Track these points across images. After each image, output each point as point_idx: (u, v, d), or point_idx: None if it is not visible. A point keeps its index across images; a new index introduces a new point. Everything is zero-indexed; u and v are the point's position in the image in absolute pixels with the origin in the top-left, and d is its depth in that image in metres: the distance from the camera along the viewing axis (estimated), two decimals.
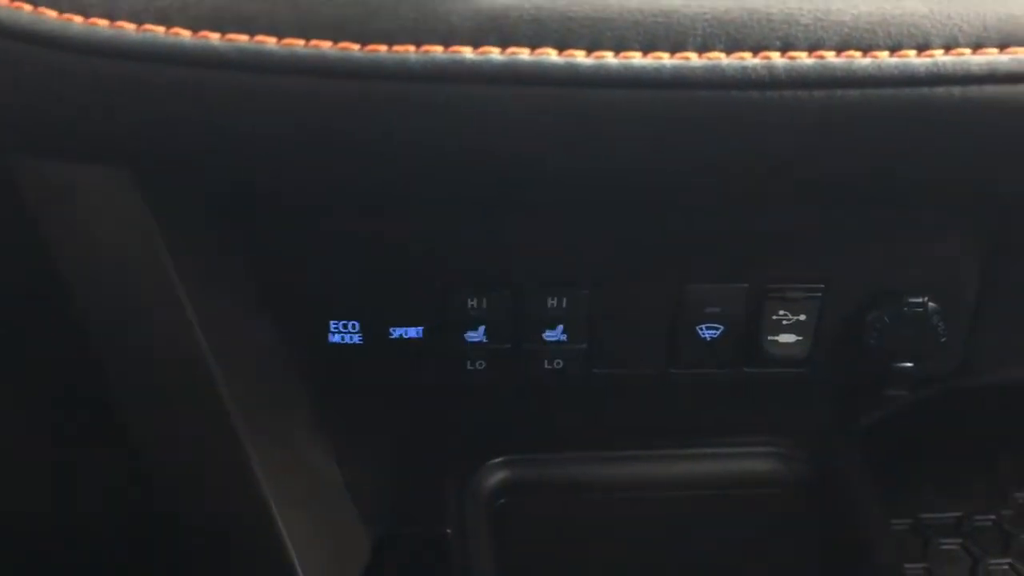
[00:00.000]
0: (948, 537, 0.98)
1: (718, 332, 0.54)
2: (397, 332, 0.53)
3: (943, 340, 0.53)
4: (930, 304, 0.52)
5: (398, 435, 0.63)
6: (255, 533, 0.54)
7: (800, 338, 0.54)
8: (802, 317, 0.53)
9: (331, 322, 0.53)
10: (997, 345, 0.58)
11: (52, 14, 0.32)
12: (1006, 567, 0.96)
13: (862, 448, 0.72)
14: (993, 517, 0.99)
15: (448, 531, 0.63)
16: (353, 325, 0.53)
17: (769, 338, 0.54)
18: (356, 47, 0.34)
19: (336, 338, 0.53)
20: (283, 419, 0.54)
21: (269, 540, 0.54)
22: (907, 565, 0.96)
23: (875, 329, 0.53)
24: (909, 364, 0.54)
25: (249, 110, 0.34)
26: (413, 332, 0.53)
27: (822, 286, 0.52)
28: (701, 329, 0.54)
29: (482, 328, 0.53)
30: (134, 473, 0.54)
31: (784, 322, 0.53)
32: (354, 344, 0.53)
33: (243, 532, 0.54)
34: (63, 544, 0.65)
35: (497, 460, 0.67)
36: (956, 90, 0.35)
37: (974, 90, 0.35)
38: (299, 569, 0.54)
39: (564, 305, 0.52)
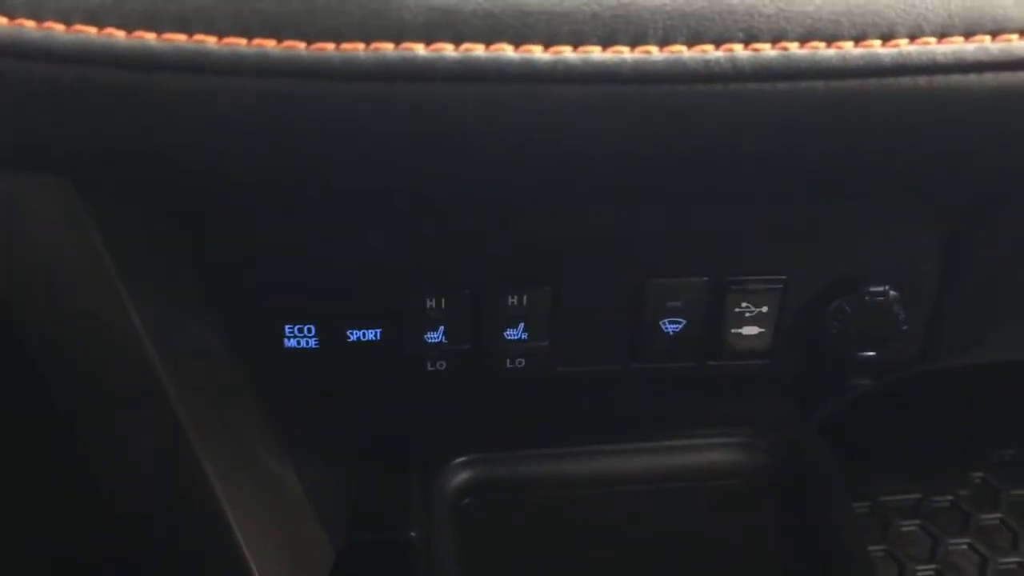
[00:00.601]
0: (908, 519, 1.00)
1: (680, 326, 0.53)
2: (355, 335, 0.52)
3: (904, 328, 0.53)
4: (891, 293, 0.52)
5: (358, 439, 0.62)
6: (212, 543, 0.52)
7: (762, 330, 0.54)
8: (764, 309, 0.53)
9: (286, 326, 0.51)
10: (957, 332, 0.58)
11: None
12: (964, 547, 0.98)
13: (822, 434, 0.73)
14: (951, 498, 1.01)
15: (412, 535, 0.62)
16: (309, 329, 0.51)
17: (732, 331, 0.54)
18: (302, 46, 0.32)
19: (292, 343, 0.51)
20: (237, 426, 0.52)
21: (227, 550, 0.52)
22: (869, 547, 0.98)
23: (836, 319, 0.53)
24: (871, 353, 0.54)
25: (189, 114, 0.33)
26: (371, 334, 0.52)
27: (783, 278, 0.52)
28: (664, 324, 0.53)
29: (441, 328, 0.52)
30: (83, 485, 0.53)
31: (746, 315, 0.53)
32: (310, 348, 0.51)
33: (199, 543, 0.53)
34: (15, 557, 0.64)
35: (460, 460, 0.66)
36: (922, 80, 0.34)
37: (940, 79, 0.34)
38: (253, 570, 0.53)
39: (524, 303, 0.51)
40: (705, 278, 0.52)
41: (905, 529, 1.00)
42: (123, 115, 0.32)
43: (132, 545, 0.54)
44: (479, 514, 0.66)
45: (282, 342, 0.51)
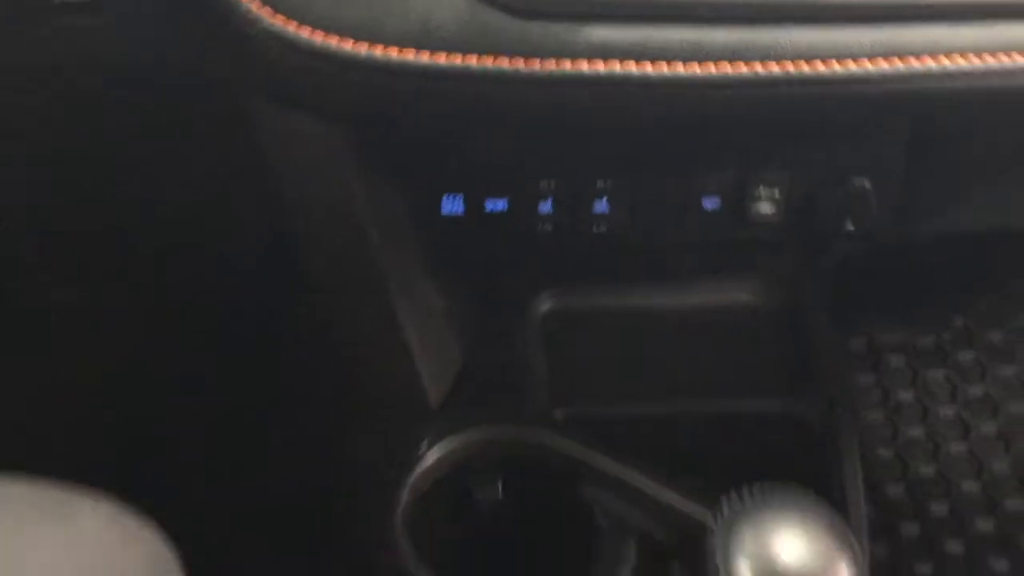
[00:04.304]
0: (895, 353, 1.19)
1: (717, 204, 0.74)
2: (489, 205, 0.73)
3: (876, 209, 0.73)
4: (866, 183, 0.72)
5: (482, 279, 0.83)
6: (390, 344, 0.75)
7: (775, 209, 0.72)
8: (776, 193, 0.73)
9: (443, 197, 0.73)
10: (920, 210, 0.77)
11: (328, 38, 0.52)
12: (941, 378, 1.17)
13: (825, 284, 0.88)
14: (934, 338, 1.20)
15: (514, 346, 0.84)
16: (458, 199, 0.73)
17: (753, 208, 0.72)
18: (506, 62, 0.53)
19: (447, 209, 0.73)
20: (411, 269, 0.75)
21: (398, 346, 0.75)
22: (860, 377, 1.17)
23: (828, 201, 0.73)
24: (852, 227, 0.74)
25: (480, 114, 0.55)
26: (501, 204, 0.73)
27: (790, 172, 0.71)
28: (704, 202, 0.74)
29: (550, 200, 0.72)
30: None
31: (763, 196, 0.72)
32: (459, 215, 0.73)
33: (381, 343, 0.76)
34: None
35: (549, 293, 0.85)
36: None
37: None
38: (418, 366, 0.76)
39: (609, 186, 0.73)
40: (734, 169, 0.71)
41: (894, 364, 1.20)
42: (412, 105, 0.54)
43: (346, 356, 0.76)
44: (561, 335, 0.85)
45: (440, 209, 0.74)
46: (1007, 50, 0.55)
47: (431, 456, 0.76)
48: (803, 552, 0.42)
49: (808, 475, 0.63)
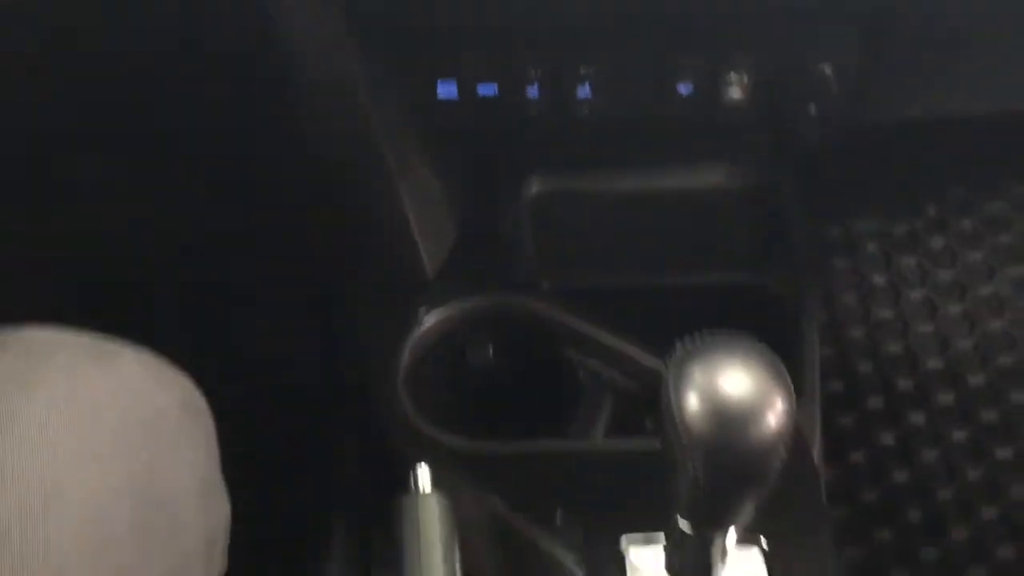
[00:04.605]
0: (871, 241, 1.25)
1: (691, 89, 0.79)
2: (481, 89, 0.79)
3: (836, 92, 0.78)
4: (827, 68, 0.77)
5: (476, 162, 0.89)
6: (391, 220, 0.82)
7: (744, 95, 0.78)
8: (745, 79, 0.78)
9: (438, 81, 0.79)
10: (880, 95, 0.83)
11: None
12: (914, 264, 1.23)
13: (797, 168, 0.94)
14: (907, 226, 1.25)
15: (504, 221, 0.90)
16: (452, 83, 0.79)
17: (725, 95, 0.78)
18: None
19: (442, 93, 0.79)
20: (407, 146, 0.81)
21: (397, 222, 0.82)
22: (836, 262, 1.23)
23: (792, 87, 0.78)
24: (814, 112, 0.80)
25: None
26: (491, 89, 0.79)
27: (754, 58, 0.76)
28: (679, 87, 0.79)
29: (536, 85, 0.78)
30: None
31: (733, 81, 0.78)
32: (453, 99, 0.79)
33: (382, 219, 0.83)
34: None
35: (539, 175, 0.91)
36: None
37: None
38: (416, 240, 0.83)
39: (591, 72, 0.78)
40: (705, 56, 0.77)
41: (868, 249, 1.26)
42: None
43: (351, 232, 0.83)
44: (550, 215, 0.90)
45: (435, 94, 0.79)
46: None
47: (428, 322, 0.84)
48: (745, 385, 0.47)
49: (772, 336, 0.66)
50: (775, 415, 0.46)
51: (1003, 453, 1.10)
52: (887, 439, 1.13)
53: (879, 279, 1.22)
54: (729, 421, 0.46)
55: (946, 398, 1.14)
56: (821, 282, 1.15)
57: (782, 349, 0.50)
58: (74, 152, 0.81)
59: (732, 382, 0.47)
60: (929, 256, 1.23)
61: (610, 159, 0.89)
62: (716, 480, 0.48)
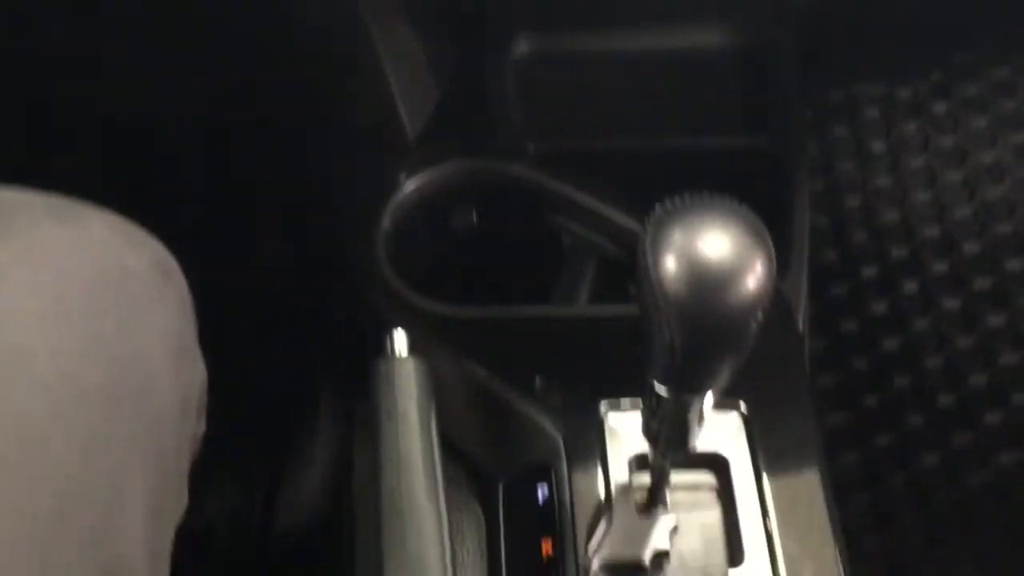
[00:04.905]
0: (872, 105, 1.22)
1: None
2: None
3: None
4: None
5: (462, 21, 0.85)
6: (370, 80, 0.79)
7: None
8: None
9: None
10: None
11: None
12: (914, 130, 1.20)
13: (793, 30, 0.91)
14: (910, 92, 1.23)
15: (490, 85, 0.87)
16: None
17: None
18: None
19: None
20: (390, 9, 0.78)
21: (378, 82, 0.79)
22: (835, 128, 1.20)
23: None
24: None
25: None
26: None
27: None
28: None
29: None
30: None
31: None
32: None
33: (361, 79, 0.80)
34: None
35: (525, 35, 0.88)
36: None
37: None
38: (396, 101, 0.81)
39: None
40: None
41: (868, 115, 1.23)
42: None
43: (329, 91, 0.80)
44: (537, 77, 0.88)
45: None
46: None
47: (409, 186, 0.82)
48: (723, 247, 0.46)
49: (762, 201, 0.63)
50: (754, 278, 0.44)
51: (996, 321, 1.09)
52: (880, 308, 1.12)
53: (878, 145, 1.20)
54: (706, 282, 0.44)
55: (941, 266, 1.12)
56: (819, 149, 1.12)
57: (771, 215, 0.48)
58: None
59: (710, 243, 0.45)
60: (931, 122, 1.20)
61: (601, 15, 0.87)
62: (691, 343, 0.47)
